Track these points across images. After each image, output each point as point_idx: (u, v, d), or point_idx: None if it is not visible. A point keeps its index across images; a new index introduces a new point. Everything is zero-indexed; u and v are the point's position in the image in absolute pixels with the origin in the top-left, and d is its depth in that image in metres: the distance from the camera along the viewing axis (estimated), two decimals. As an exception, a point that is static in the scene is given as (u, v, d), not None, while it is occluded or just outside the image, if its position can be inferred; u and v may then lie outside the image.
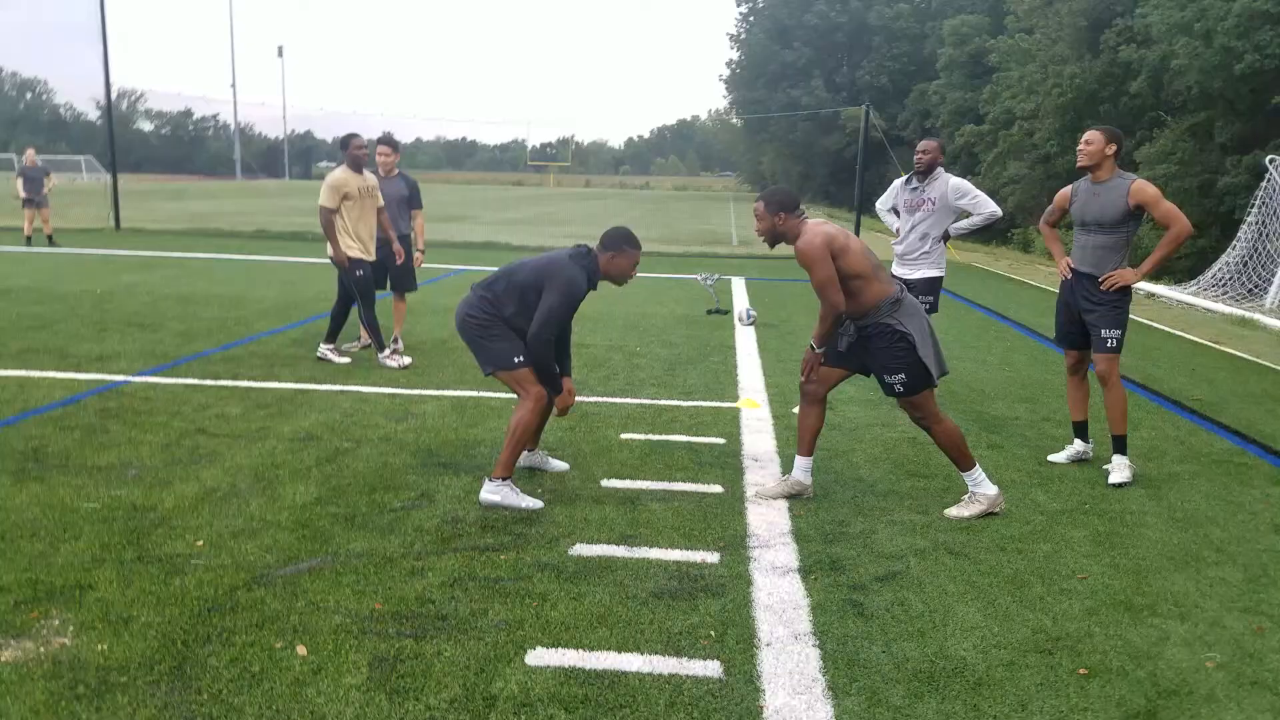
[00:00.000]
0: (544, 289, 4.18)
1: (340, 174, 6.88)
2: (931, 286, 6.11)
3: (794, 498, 4.43)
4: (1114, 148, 4.69)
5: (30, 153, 17.33)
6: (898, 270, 6.26)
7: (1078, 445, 5.12)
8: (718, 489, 4.50)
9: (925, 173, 6.02)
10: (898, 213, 6.27)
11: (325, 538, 3.77)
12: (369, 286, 7.06)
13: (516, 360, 4.24)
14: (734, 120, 79.26)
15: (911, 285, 6.15)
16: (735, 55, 65.40)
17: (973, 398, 6.59)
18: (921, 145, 6.06)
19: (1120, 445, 4.82)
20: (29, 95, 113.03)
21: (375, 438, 5.18)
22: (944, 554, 3.79)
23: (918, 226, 6.08)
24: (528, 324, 4.21)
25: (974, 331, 9.59)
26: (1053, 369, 7.62)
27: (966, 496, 4.22)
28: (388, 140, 7.65)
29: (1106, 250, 4.74)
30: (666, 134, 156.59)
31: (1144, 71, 24.03)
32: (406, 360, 7.06)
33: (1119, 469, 4.77)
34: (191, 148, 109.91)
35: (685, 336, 8.81)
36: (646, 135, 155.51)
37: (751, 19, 63.55)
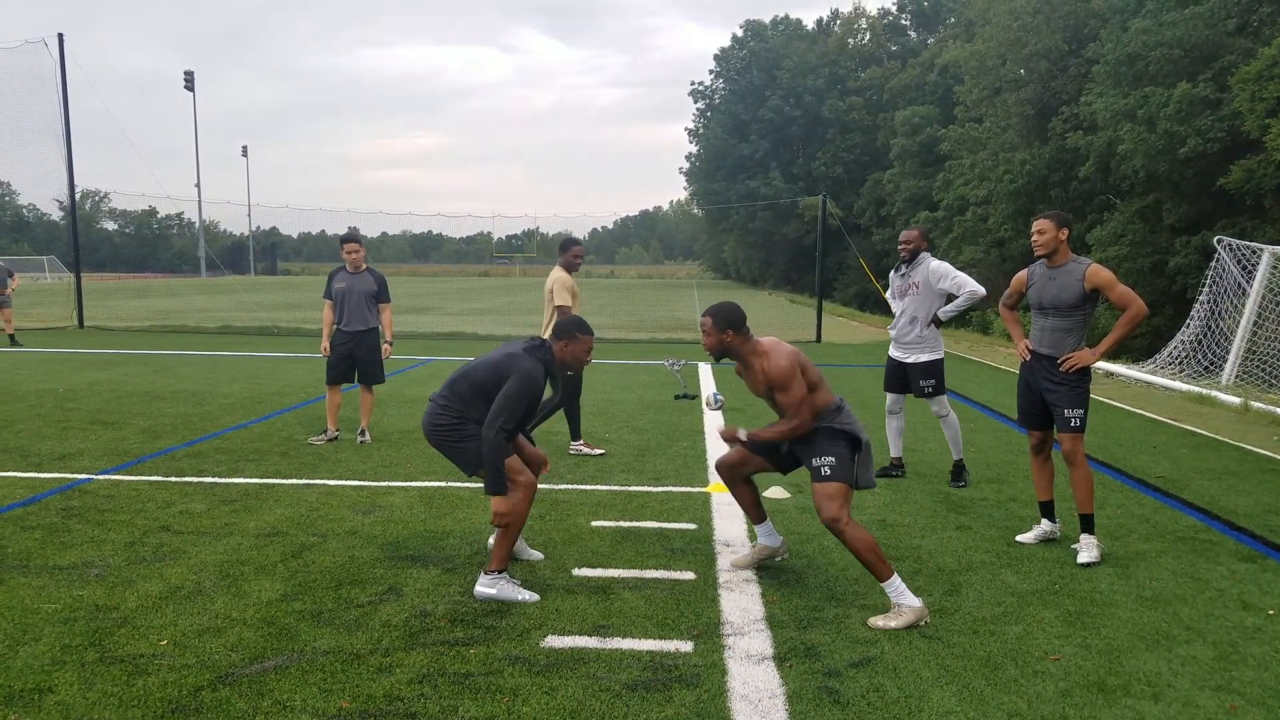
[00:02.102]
0: (503, 382, 4.18)
1: (566, 275, 7.24)
2: (930, 370, 6.40)
3: (770, 559, 4.59)
4: (1065, 232, 4.89)
5: (-5, 252, 17.26)
6: (894, 353, 6.56)
7: (1045, 525, 5.19)
8: (690, 575, 4.49)
9: (910, 260, 6.40)
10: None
11: (291, 635, 3.70)
12: (576, 383, 7.27)
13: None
14: (695, 210, 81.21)
15: (911, 369, 6.44)
16: (694, 149, 67.50)
17: (939, 478, 6.67)
18: (903, 236, 6.45)
19: (1088, 524, 4.90)
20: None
21: (342, 531, 5.12)
22: (917, 638, 3.79)
23: (907, 310, 6.43)
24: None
25: (938, 413, 9.75)
26: (1016, 449, 7.75)
27: (893, 608, 3.97)
28: (354, 237, 7.75)
29: (1064, 332, 4.90)
30: (630, 224, 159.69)
31: (1091, 157, 25.14)
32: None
33: (1087, 548, 4.83)
34: (155, 246, 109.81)
35: (653, 422, 8.86)
36: (610, 226, 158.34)
37: (709, 114, 65.86)
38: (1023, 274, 5.15)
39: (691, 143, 67.99)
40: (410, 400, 9.88)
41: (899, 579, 4.01)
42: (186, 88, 75.14)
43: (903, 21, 59.94)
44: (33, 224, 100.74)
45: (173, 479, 6.23)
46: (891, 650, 3.66)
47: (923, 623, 3.91)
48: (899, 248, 6.48)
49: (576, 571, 4.50)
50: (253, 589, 4.19)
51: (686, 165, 69.73)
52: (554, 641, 3.68)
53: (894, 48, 58.87)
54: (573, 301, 7.19)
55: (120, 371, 12.25)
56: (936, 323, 6.38)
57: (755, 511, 4.59)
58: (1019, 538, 5.18)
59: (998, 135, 31.29)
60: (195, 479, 6.24)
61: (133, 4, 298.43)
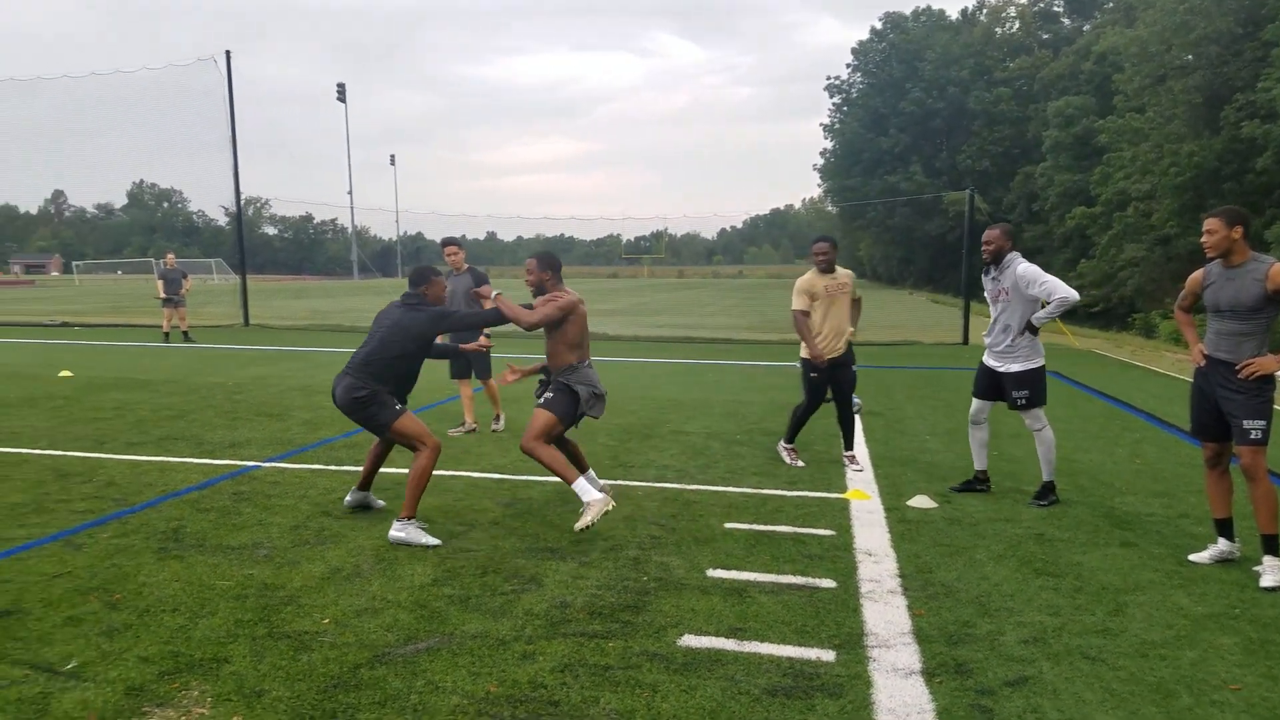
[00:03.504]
0: (414, 332, 5.08)
1: (808, 276, 6.80)
2: (1025, 380, 5.81)
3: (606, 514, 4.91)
4: (1239, 230, 4.50)
5: (170, 256, 18.75)
6: (987, 358, 6.06)
7: (1222, 545, 4.79)
8: (830, 583, 4.40)
9: (994, 262, 5.91)
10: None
11: (442, 618, 3.85)
12: (815, 386, 6.80)
13: (398, 408, 5.06)
14: (829, 207, 79.43)
15: (1005, 379, 5.90)
16: (830, 144, 66.14)
17: (1101, 491, 6.28)
18: (985, 235, 5.94)
19: (1271, 546, 4.49)
20: (165, 204, 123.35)
21: (485, 521, 5.29)
22: (1079, 659, 3.58)
23: (999, 318, 5.93)
24: (399, 386, 5.14)
25: (1098, 421, 9.19)
26: (1189, 462, 7.20)
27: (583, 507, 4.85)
28: (453, 240, 8.18)
29: (1243, 336, 4.52)
30: (760, 223, 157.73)
31: (1270, 147, 23.11)
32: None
33: (1271, 572, 4.43)
34: (311, 249, 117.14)
35: (786, 424, 8.72)
36: (739, 225, 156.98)
37: (845, 109, 64.38)
38: (1199, 273, 4.77)
39: (827, 138, 66.72)
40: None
41: (583, 480, 4.94)
42: (339, 99, 79.57)
43: (1055, 8, 56.90)
44: (202, 229, 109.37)
45: (332, 467, 6.61)
46: (1050, 671, 3.47)
47: (609, 508, 4.83)
48: (981, 248, 5.96)
49: (711, 573, 4.48)
50: (405, 573, 4.39)
51: (821, 161, 68.43)
52: (690, 641, 3.68)
53: (1045, 36, 55.95)
54: (808, 302, 6.71)
55: (283, 367, 13.11)
56: (1032, 330, 5.82)
57: (570, 472, 5.05)
58: (1192, 557, 4.81)
59: (1162, 126, 29.19)
60: (352, 468, 6.59)
61: (291, 22, 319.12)
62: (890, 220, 59.47)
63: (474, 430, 8.02)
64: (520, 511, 5.52)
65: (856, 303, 6.89)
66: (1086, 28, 50.79)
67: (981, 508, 5.79)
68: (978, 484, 6.19)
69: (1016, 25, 57.85)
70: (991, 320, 6.02)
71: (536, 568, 4.51)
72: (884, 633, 3.82)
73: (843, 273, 6.79)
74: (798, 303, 6.74)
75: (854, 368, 6.85)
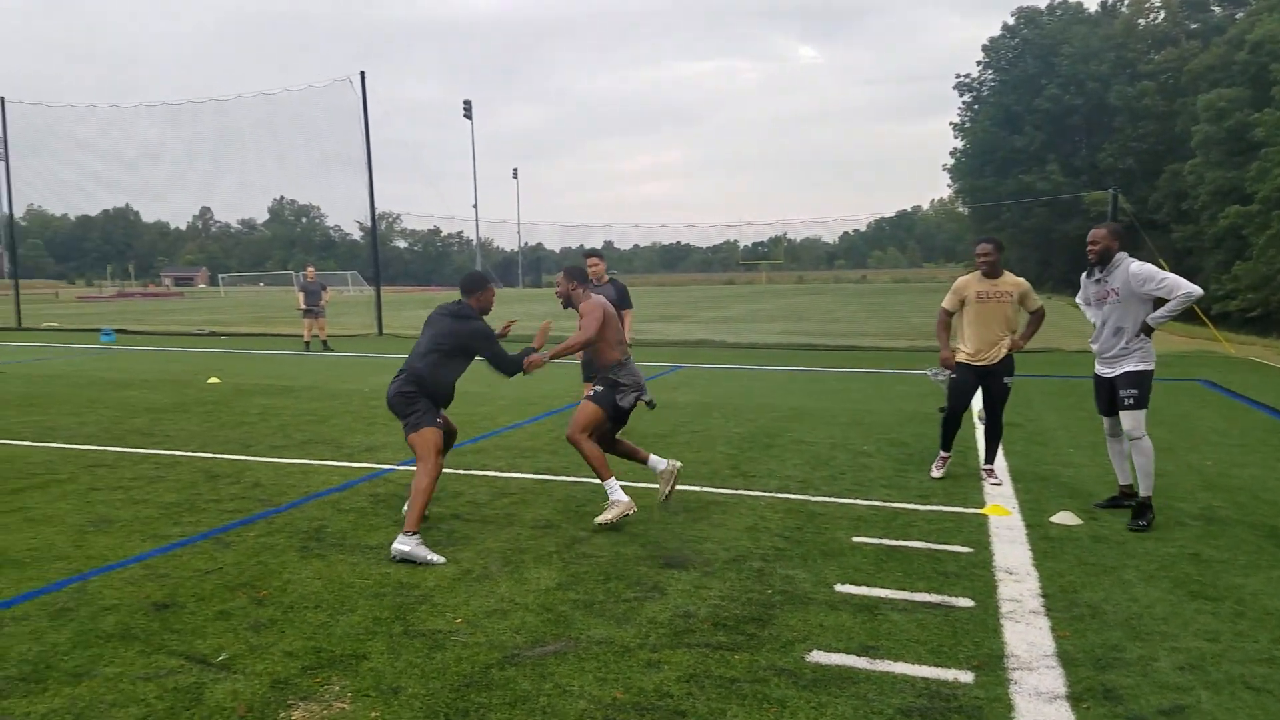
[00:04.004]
0: (470, 343, 5.33)
1: (967, 277, 6.57)
2: (1134, 380, 5.50)
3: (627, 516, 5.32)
4: None
5: (310, 270, 19.79)
6: (1099, 369, 5.73)
7: None
8: (967, 602, 4.21)
9: (1101, 263, 5.58)
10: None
11: (567, 622, 3.89)
12: (954, 390, 6.53)
13: (432, 418, 5.12)
14: (960, 209, 76.68)
15: (1114, 381, 5.58)
16: (960, 144, 63.85)
17: (1262, 509, 5.80)
18: (1090, 235, 5.64)
19: None
20: (304, 220, 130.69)
21: (607, 528, 5.33)
22: (1241, 688, 3.31)
23: (1109, 321, 5.60)
24: (436, 393, 5.23)
25: (1258, 434, 8.51)
26: (1364, 479, 6.57)
27: (608, 505, 5.34)
28: (595, 252, 8.55)
29: None
30: (884, 226, 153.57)
31: None
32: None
33: None
34: (439, 261, 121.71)
35: (916, 435, 8.45)
36: (862, 229, 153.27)
37: (976, 107, 62.07)
38: None
39: (957, 137, 64.33)
40: (663, 405, 10.13)
41: (615, 480, 5.38)
42: (465, 116, 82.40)
43: (1205, -4, 53.25)
44: (338, 243, 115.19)
45: (460, 471, 6.81)
46: (1209, 700, 3.22)
47: (630, 512, 5.31)
48: (1087, 248, 5.62)
49: (839, 588, 4.37)
50: (531, 576, 4.47)
51: (950, 162, 66.07)
52: (819, 657, 3.59)
53: (1193, 26, 52.41)
54: (956, 303, 6.46)
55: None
56: (1146, 331, 5.47)
57: (640, 454, 5.73)
58: (1374, 585, 4.37)
59: (1330, 115, 26.88)
60: (479, 472, 6.77)
61: (421, 42, 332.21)
62: (1026, 222, 56.87)
63: None
64: (641, 519, 5.53)
65: (1035, 314, 6.51)
66: (1239, 15, 47.31)
67: (1127, 523, 5.44)
68: (1124, 499, 5.83)
69: (1162, 16, 54.44)
70: (1098, 325, 5.71)
71: (658, 576, 4.51)
72: (1026, 655, 3.63)
73: (1010, 280, 6.43)
74: (946, 300, 6.56)
75: (1007, 380, 6.46)
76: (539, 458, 7.31)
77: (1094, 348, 5.78)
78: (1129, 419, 5.51)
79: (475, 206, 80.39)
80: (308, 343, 18.56)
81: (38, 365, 15.65)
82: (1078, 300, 6.07)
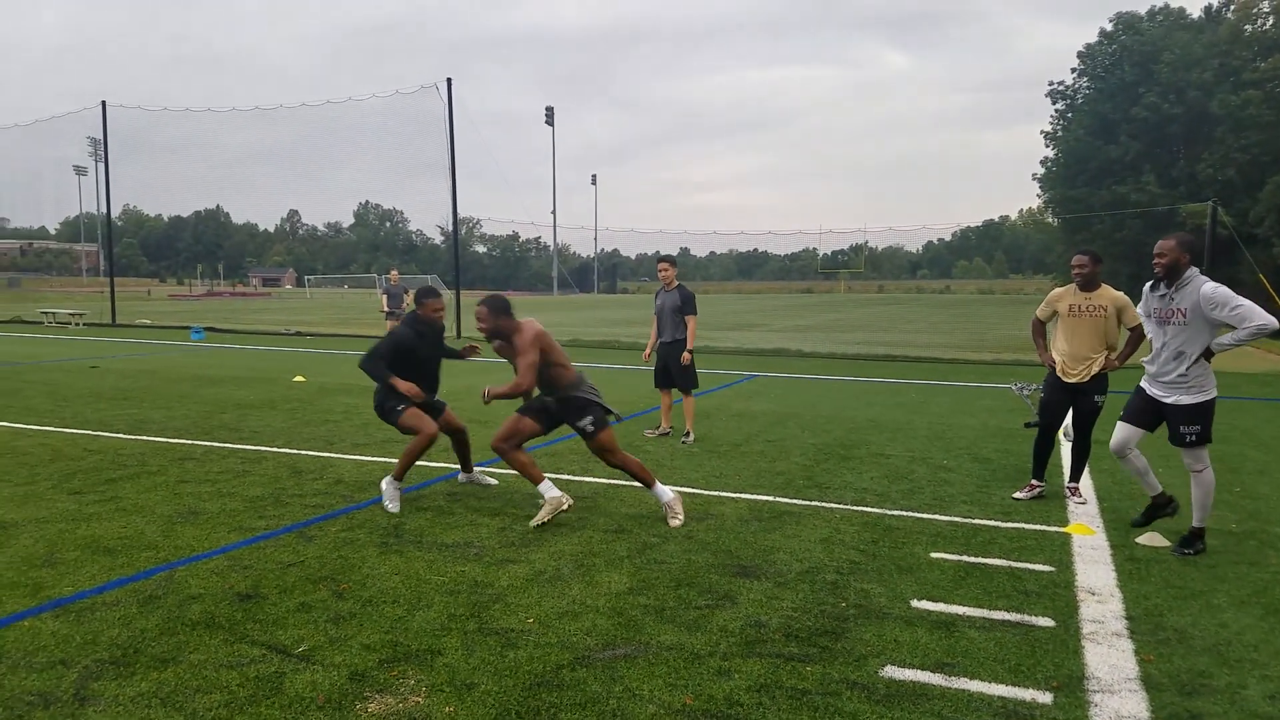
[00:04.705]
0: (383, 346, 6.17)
1: (1061, 289, 6.37)
2: (1196, 414, 5.06)
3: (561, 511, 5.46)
4: None
5: (394, 273, 20.30)
6: (1151, 389, 5.29)
7: None
8: (1047, 622, 4.08)
9: (1168, 278, 5.09)
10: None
11: (638, 627, 3.90)
12: (1045, 407, 6.35)
13: (399, 408, 6.06)
14: (1050, 219, 74.38)
15: (1170, 411, 5.14)
16: (1051, 153, 61.95)
17: (1374, 539, 5.47)
18: (1157, 247, 5.13)
19: None
20: (387, 224, 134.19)
21: (679, 535, 5.32)
22: (1349, 727, 3.12)
23: (1170, 343, 5.11)
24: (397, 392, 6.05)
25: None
26: None
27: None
28: (666, 258, 8.69)
29: None
30: (970, 235, 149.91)
31: None
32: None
33: None
34: (516, 266, 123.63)
35: (999, 450, 8.22)
36: (947, 238, 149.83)
37: (1069, 115, 60.17)
38: None
39: (1048, 146, 62.41)
40: (737, 414, 10.09)
41: (548, 481, 5.54)
42: (546, 123, 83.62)
43: (1317, -3, 50.60)
44: (419, 247, 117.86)
45: (533, 474, 6.88)
46: (1314, 740, 3.04)
47: (564, 507, 5.43)
48: (1153, 261, 5.12)
49: (915, 603, 4.27)
50: (603, 580, 4.49)
51: (1041, 171, 64.12)
52: (893, 672, 3.52)
53: (1304, 30, 49.87)
54: (1048, 313, 6.31)
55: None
56: (1208, 356, 5.03)
57: (536, 473, 5.59)
58: None
59: None
60: (553, 475, 6.81)
61: (505, 51, 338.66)
62: (1119, 233, 54.85)
63: (667, 434, 8.56)
64: (713, 526, 5.52)
65: (1134, 331, 5.98)
66: (1355, 17, 44.87)
67: (1221, 548, 5.19)
68: (1162, 509, 5.55)
69: (1270, 21, 51.95)
70: (1157, 346, 5.23)
71: (730, 585, 4.48)
72: (1107, 677, 3.50)
73: (1107, 294, 6.06)
74: (1039, 309, 6.41)
75: (1099, 399, 6.13)
76: (611, 462, 7.34)
77: (1150, 369, 5.33)
78: (1189, 456, 5.16)
79: (554, 212, 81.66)
80: (389, 344, 19.01)
81: (131, 361, 16.41)
82: (1138, 310, 5.63)
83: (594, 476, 6.83)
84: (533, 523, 5.43)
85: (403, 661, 3.54)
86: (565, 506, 5.46)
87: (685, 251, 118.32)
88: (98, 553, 4.89)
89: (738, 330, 26.75)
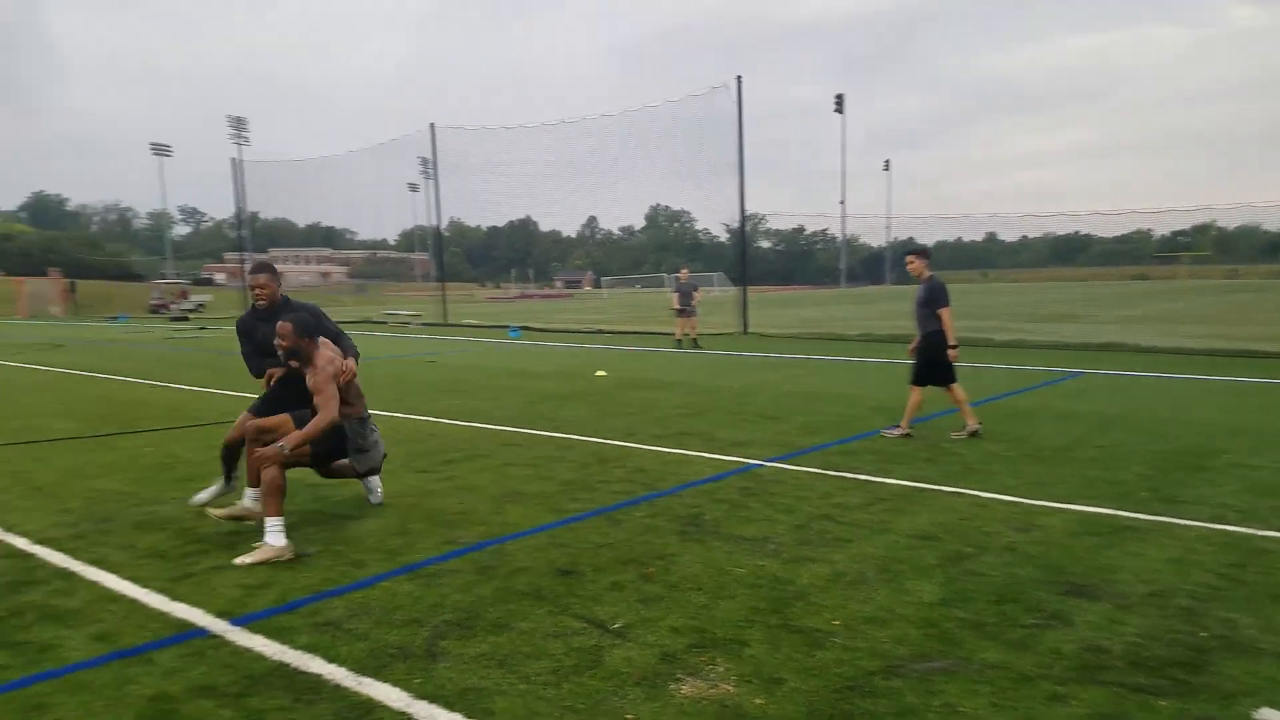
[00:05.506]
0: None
1: None
2: None
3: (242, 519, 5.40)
4: None
5: (684, 271, 20.94)
6: None
7: None
8: None
9: None
10: None
11: (955, 641, 3.64)
12: None
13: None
14: None
15: None
16: None
17: None
18: None
19: None
20: (675, 224, 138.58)
21: (997, 546, 4.91)
22: None
23: None
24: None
25: None
26: None
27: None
28: (916, 249, 8.46)
29: None
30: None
31: None
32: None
33: None
34: (802, 260, 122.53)
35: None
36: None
37: None
38: None
39: None
40: (1061, 414, 9.19)
41: (282, 520, 4.88)
42: (836, 110, 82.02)
43: None
44: (705, 245, 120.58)
45: (830, 473, 6.72)
46: None
47: (284, 557, 4.75)
48: None
49: (1299, 639, 3.61)
50: (912, 588, 4.25)
51: None
52: (1270, 716, 2.99)
53: None
54: None
55: (780, 373, 13.81)
56: None
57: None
58: None
59: None
60: (849, 475, 6.63)
61: (790, 42, 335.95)
62: None
63: (977, 432, 7.99)
64: (1038, 539, 5.03)
65: None
66: None
67: None
68: None
69: None
70: None
71: (1061, 604, 4.05)
72: None
73: None
74: None
75: None
76: (913, 465, 6.98)
77: None
78: None
79: (842, 202, 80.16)
80: (679, 340, 19.63)
81: (460, 356, 18.30)
82: None
83: (895, 479, 6.53)
84: (236, 560, 4.76)
85: (710, 648, 3.57)
86: (285, 557, 4.79)
87: (991, 236, 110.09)
88: (439, 524, 5.46)
89: (1054, 322, 24.49)
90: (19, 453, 8.17)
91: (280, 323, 5.20)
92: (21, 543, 5.25)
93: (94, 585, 4.48)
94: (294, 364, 5.31)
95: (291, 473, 5.19)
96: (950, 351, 8.12)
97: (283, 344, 5.21)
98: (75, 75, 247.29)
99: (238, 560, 4.76)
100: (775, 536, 5.08)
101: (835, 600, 4.09)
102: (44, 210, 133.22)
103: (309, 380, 5.22)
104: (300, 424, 5.24)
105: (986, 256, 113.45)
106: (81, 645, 3.74)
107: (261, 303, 5.71)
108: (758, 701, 3.11)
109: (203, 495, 5.93)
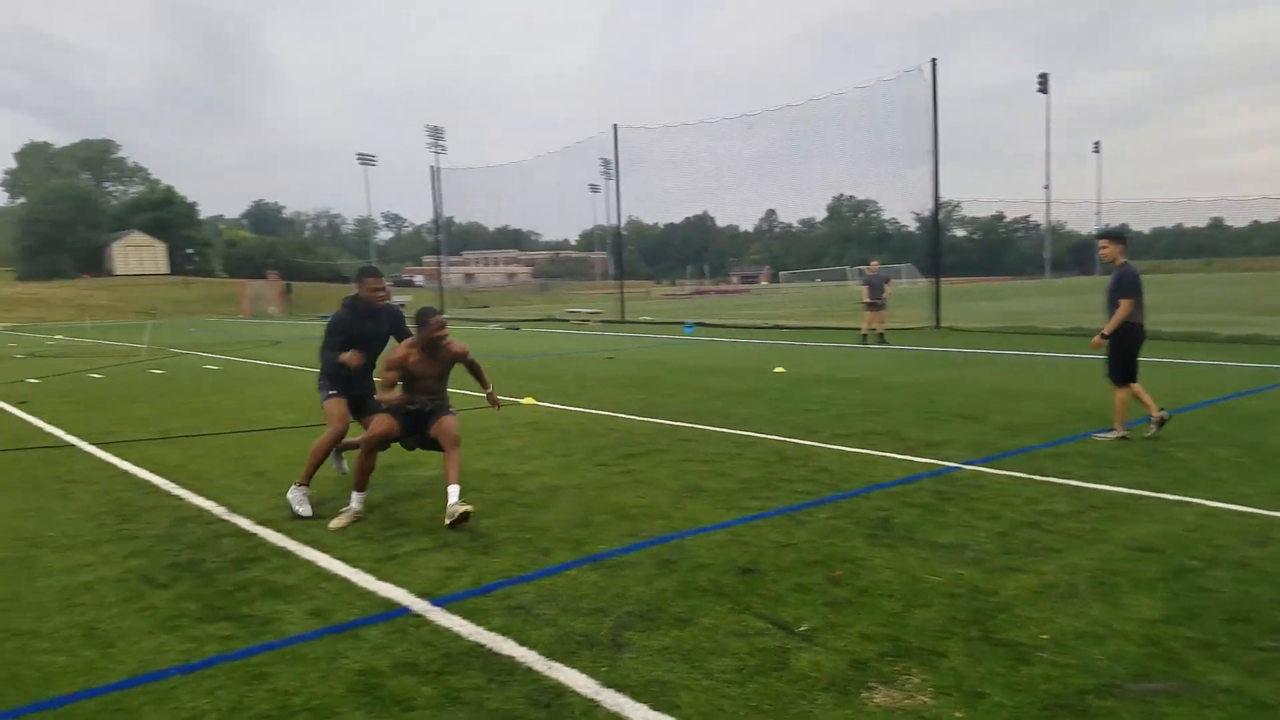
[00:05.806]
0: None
1: None
2: None
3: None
4: None
5: (874, 263, 20.15)
6: None
7: None
8: None
9: None
10: None
11: (1180, 661, 3.30)
12: None
13: (330, 392, 6.19)
14: None
15: None
16: None
17: None
18: None
19: None
20: (860, 215, 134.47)
21: (1229, 560, 4.41)
22: None
23: None
24: (331, 366, 6.09)
25: None
26: None
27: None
28: (1107, 234, 7.85)
29: None
30: None
31: None
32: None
33: None
34: (1000, 249, 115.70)
35: None
36: None
37: None
38: None
39: None
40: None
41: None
42: (1040, 90, 76.98)
43: None
44: (892, 235, 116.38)
45: (1036, 477, 6.26)
46: None
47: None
48: None
49: None
50: (1130, 603, 3.88)
51: None
52: None
53: None
54: None
55: (975, 370, 13.07)
56: None
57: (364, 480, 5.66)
58: None
59: None
60: (1058, 480, 6.15)
61: (992, 22, 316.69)
62: None
63: (1163, 421, 7.48)
64: (1276, 555, 4.48)
65: None
66: None
67: None
68: None
69: None
70: None
71: (1312, 627, 3.58)
72: None
73: None
74: None
75: None
76: (1132, 470, 6.38)
77: None
78: None
79: (1047, 188, 75.10)
80: (864, 335, 18.99)
81: (639, 352, 18.56)
82: None
83: (1110, 485, 6.00)
84: (332, 525, 5.51)
85: (904, 657, 3.40)
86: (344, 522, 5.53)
87: (1216, 222, 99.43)
88: (621, 517, 5.53)
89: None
90: (244, 440, 9.02)
91: (438, 317, 5.79)
92: (245, 523, 5.76)
93: (309, 564, 4.85)
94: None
95: (478, 463, 5.53)
96: (1095, 338, 7.69)
97: (443, 331, 5.82)
98: (288, 90, 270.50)
99: (332, 524, 5.53)
100: (975, 544, 4.79)
101: (1043, 613, 3.80)
102: (263, 217, 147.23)
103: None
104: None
105: (1211, 244, 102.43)
106: (298, 620, 4.04)
107: (382, 302, 6.43)
108: (957, 715, 2.93)
109: (340, 520, 6.00)
